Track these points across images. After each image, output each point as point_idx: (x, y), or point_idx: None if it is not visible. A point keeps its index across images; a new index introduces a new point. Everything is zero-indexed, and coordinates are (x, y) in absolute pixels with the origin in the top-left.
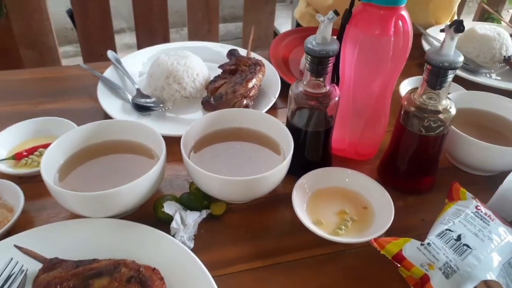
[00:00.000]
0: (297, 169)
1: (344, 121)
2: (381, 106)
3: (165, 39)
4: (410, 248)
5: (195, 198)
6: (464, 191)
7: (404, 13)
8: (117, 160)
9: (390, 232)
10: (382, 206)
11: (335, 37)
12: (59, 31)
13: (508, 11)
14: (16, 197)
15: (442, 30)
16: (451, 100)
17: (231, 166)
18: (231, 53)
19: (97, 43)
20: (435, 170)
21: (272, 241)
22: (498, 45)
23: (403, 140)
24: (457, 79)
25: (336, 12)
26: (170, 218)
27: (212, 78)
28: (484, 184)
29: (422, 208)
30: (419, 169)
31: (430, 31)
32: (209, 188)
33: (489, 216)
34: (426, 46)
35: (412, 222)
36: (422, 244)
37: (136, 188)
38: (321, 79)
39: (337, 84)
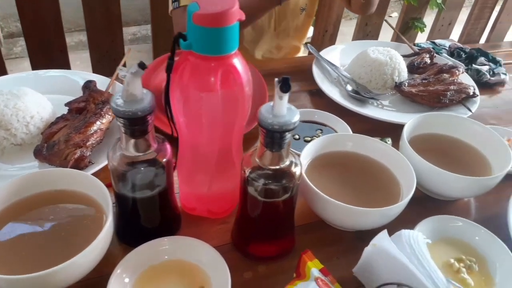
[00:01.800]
0: (134, 240)
1: (188, 178)
2: (228, 158)
3: (62, 53)
4: None
5: None
6: (310, 267)
7: (237, 60)
8: None
9: None
10: (222, 285)
11: (146, 90)
12: None
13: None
14: None
15: (279, 82)
16: (296, 157)
17: (38, 249)
18: (86, 86)
19: None
20: (289, 232)
21: None
22: (390, 70)
23: (248, 203)
24: (344, 112)
25: (141, 65)
26: None
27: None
28: (351, 241)
29: (272, 282)
30: (269, 234)
31: (324, 53)
32: None
33: None
34: (316, 72)
35: None
36: None
37: None
38: (143, 138)
39: (177, 137)
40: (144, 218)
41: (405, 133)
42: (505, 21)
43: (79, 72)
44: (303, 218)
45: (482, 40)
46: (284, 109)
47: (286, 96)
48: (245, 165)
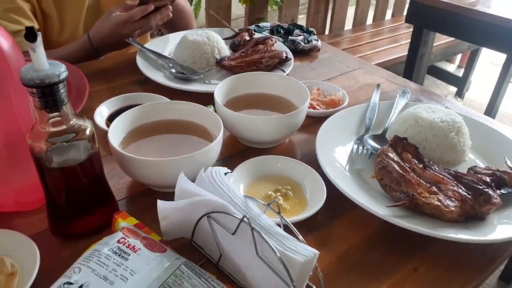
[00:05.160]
0: None
1: None
2: (23, 143)
3: None
4: None
5: None
6: (119, 222)
7: None
8: None
9: None
10: (31, 267)
11: None
12: None
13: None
14: None
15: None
16: (85, 118)
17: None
18: None
19: None
20: (106, 199)
21: None
22: (210, 48)
23: (46, 177)
24: (172, 93)
25: None
26: None
27: None
28: None
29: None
30: (79, 206)
31: (151, 44)
32: None
33: (133, 247)
34: (140, 61)
35: None
36: None
37: None
38: None
39: None
40: None
41: (217, 96)
42: (340, 12)
43: None
44: (131, 189)
45: (327, 31)
46: (44, 63)
47: (39, 48)
48: (29, 137)
